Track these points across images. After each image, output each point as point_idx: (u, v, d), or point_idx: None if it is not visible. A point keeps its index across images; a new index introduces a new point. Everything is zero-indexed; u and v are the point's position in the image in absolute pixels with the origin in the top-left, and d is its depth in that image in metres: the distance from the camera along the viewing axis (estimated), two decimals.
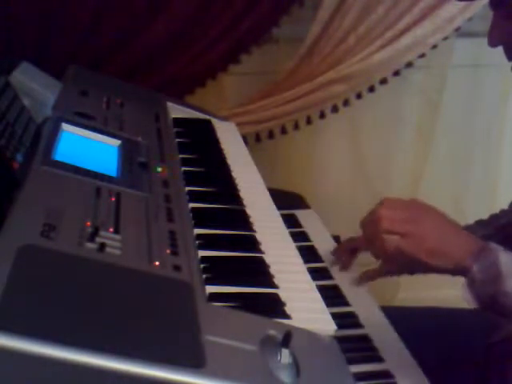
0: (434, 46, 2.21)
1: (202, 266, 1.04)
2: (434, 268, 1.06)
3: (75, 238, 0.93)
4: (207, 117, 1.77)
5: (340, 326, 1.00)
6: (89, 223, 0.98)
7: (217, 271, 1.03)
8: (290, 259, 1.16)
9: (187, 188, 1.30)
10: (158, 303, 0.86)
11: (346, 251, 1.40)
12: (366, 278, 1.33)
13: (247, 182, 1.42)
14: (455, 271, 1.06)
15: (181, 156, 1.44)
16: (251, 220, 1.25)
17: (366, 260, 1.25)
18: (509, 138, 2.49)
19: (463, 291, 1.04)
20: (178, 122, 1.64)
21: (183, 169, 1.38)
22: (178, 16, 2.00)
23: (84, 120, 1.38)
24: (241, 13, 2.04)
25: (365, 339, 1.25)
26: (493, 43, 1.17)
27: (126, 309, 0.82)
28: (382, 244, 1.06)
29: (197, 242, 1.11)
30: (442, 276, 1.10)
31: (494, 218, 1.44)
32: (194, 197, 1.27)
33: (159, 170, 1.30)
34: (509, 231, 1.37)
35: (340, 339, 0.98)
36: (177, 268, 0.96)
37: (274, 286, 1.05)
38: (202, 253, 1.08)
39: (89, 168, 1.17)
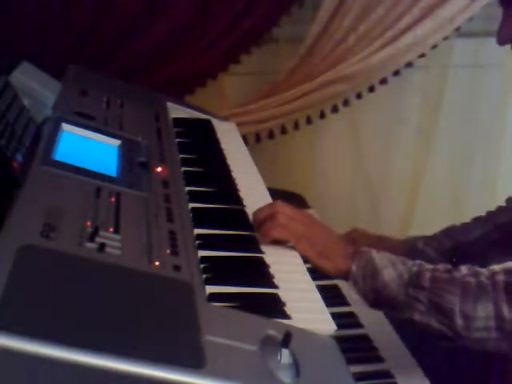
0: (434, 46, 2.21)
1: (201, 265, 1.04)
2: (322, 270, 1.17)
3: (75, 237, 0.93)
4: (207, 117, 1.78)
5: (340, 326, 1.00)
6: (89, 223, 0.98)
7: (217, 271, 1.03)
8: (289, 259, 1.16)
9: (187, 188, 1.29)
10: (158, 303, 0.86)
11: None
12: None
13: (247, 182, 1.42)
14: (337, 275, 1.18)
15: (181, 156, 1.44)
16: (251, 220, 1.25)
17: None
18: (509, 137, 2.49)
19: (351, 293, 1.14)
20: (178, 121, 1.64)
21: (183, 169, 1.38)
22: (178, 16, 2.00)
23: (84, 120, 1.38)
24: (241, 13, 2.04)
25: (365, 339, 1.25)
26: (502, 41, 1.17)
27: (126, 309, 0.82)
28: (273, 234, 1.16)
29: (197, 242, 1.11)
30: None
31: (491, 215, 1.44)
32: (193, 197, 1.27)
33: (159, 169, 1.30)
34: (506, 230, 1.37)
35: (340, 339, 0.98)
36: (177, 268, 0.96)
37: (274, 286, 1.05)
38: (201, 253, 1.07)
39: (89, 168, 1.17)
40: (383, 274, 1.10)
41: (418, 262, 1.12)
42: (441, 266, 1.10)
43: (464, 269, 1.08)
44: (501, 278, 1.04)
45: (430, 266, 1.10)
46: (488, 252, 1.40)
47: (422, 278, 1.07)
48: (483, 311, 1.02)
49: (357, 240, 1.42)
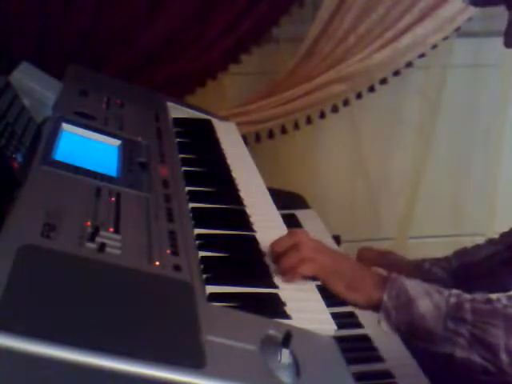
0: (434, 46, 2.21)
1: (202, 266, 1.04)
2: (352, 303, 1.10)
3: (75, 238, 0.93)
4: (207, 117, 1.77)
5: (340, 326, 1.00)
6: (89, 223, 0.98)
7: (217, 271, 1.03)
8: None
9: (187, 188, 1.29)
10: (158, 303, 0.86)
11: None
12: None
13: (247, 182, 1.42)
14: (369, 307, 1.09)
15: (181, 156, 1.44)
16: (251, 220, 1.25)
17: None
18: (509, 138, 2.49)
19: (382, 324, 1.06)
20: (177, 122, 1.64)
21: (183, 169, 1.38)
22: (178, 16, 2.00)
23: (84, 120, 1.38)
24: (241, 13, 2.04)
25: (365, 339, 1.25)
26: (510, 44, 1.15)
27: (126, 309, 0.82)
28: (302, 271, 1.07)
29: (197, 242, 1.11)
30: None
31: (504, 235, 1.42)
32: (193, 197, 1.27)
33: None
34: None
35: (340, 339, 0.98)
36: (177, 268, 0.96)
37: (274, 286, 1.05)
38: (202, 253, 1.07)
39: (89, 168, 1.17)
40: (418, 305, 1.03)
41: (454, 291, 1.05)
42: (478, 296, 1.03)
43: (504, 299, 1.02)
44: None
45: (468, 296, 1.03)
46: (497, 271, 1.38)
47: (463, 310, 1.01)
48: None
49: (364, 259, 1.40)
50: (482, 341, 0.99)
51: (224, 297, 0.97)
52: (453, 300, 1.03)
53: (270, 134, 2.23)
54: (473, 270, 1.38)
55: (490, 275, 1.37)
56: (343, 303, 1.31)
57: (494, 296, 1.04)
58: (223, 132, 1.69)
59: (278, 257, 1.10)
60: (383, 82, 2.23)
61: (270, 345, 0.85)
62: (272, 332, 0.88)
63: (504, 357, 0.98)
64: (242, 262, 1.11)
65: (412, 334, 1.06)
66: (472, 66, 2.42)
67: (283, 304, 1.00)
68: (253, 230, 1.21)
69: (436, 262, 1.41)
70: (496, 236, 1.43)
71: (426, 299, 1.03)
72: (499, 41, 1.18)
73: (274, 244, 1.12)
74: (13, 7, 1.85)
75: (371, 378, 1.14)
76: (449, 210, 2.52)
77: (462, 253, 1.43)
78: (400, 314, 1.04)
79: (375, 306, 1.07)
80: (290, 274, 1.07)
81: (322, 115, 2.25)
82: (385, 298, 1.05)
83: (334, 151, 2.42)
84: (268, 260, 1.12)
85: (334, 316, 1.01)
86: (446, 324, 1.01)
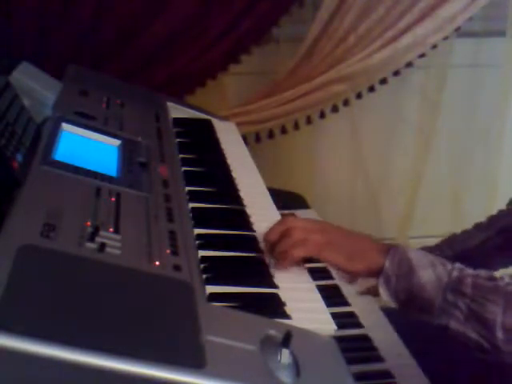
0: (434, 46, 2.21)
1: (202, 265, 1.04)
2: (355, 273, 1.11)
3: (75, 238, 0.93)
4: (207, 117, 1.78)
5: (340, 326, 1.00)
6: (89, 223, 0.98)
7: (217, 271, 1.03)
8: None
9: (187, 188, 1.29)
10: (158, 303, 0.86)
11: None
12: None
13: (247, 182, 1.42)
14: (371, 273, 1.09)
15: (181, 156, 1.44)
16: (251, 220, 1.25)
17: None
18: (509, 137, 2.49)
19: (381, 290, 1.06)
20: (177, 122, 1.64)
21: (183, 169, 1.38)
22: (178, 16, 2.00)
23: (84, 120, 1.38)
24: (241, 13, 2.04)
25: (365, 339, 1.25)
26: None
27: (126, 309, 0.82)
28: (294, 255, 1.08)
29: (197, 242, 1.11)
30: None
31: (493, 219, 1.43)
32: (193, 197, 1.27)
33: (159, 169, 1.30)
34: (510, 233, 1.36)
35: (340, 339, 0.98)
36: (177, 268, 0.96)
37: (274, 286, 1.05)
38: (201, 253, 1.07)
39: (89, 168, 1.17)
40: (420, 275, 1.03)
41: (458, 265, 1.05)
42: (483, 273, 1.04)
43: (507, 277, 1.02)
44: None
45: (471, 272, 1.04)
46: (491, 257, 1.38)
47: (464, 284, 1.01)
48: None
49: None
50: (479, 316, 0.99)
51: (224, 297, 0.97)
52: (455, 273, 1.03)
53: (270, 134, 2.23)
54: (466, 258, 1.38)
55: (484, 261, 1.37)
56: (343, 303, 1.32)
57: (497, 274, 1.04)
58: (223, 132, 1.69)
59: (272, 246, 1.11)
60: (383, 82, 2.23)
61: (270, 345, 0.85)
62: (272, 332, 0.88)
63: (500, 334, 0.98)
64: (242, 262, 1.11)
65: (410, 302, 1.05)
66: (472, 66, 2.41)
67: (283, 304, 1.00)
68: (253, 230, 1.21)
69: (430, 251, 1.41)
70: None
71: (429, 269, 1.04)
72: (499, 41, 1.18)
73: (266, 234, 1.14)
74: (13, 7, 1.85)
75: (371, 377, 1.14)
76: (449, 210, 2.52)
77: (451, 240, 1.43)
78: (400, 281, 1.05)
79: (377, 273, 1.07)
80: (283, 261, 1.08)
81: (322, 115, 2.25)
82: (387, 263, 1.05)
83: (333, 151, 2.42)
84: (268, 260, 1.12)
85: (334, 316, 1.01)
86: (446, 296, 1.02)
